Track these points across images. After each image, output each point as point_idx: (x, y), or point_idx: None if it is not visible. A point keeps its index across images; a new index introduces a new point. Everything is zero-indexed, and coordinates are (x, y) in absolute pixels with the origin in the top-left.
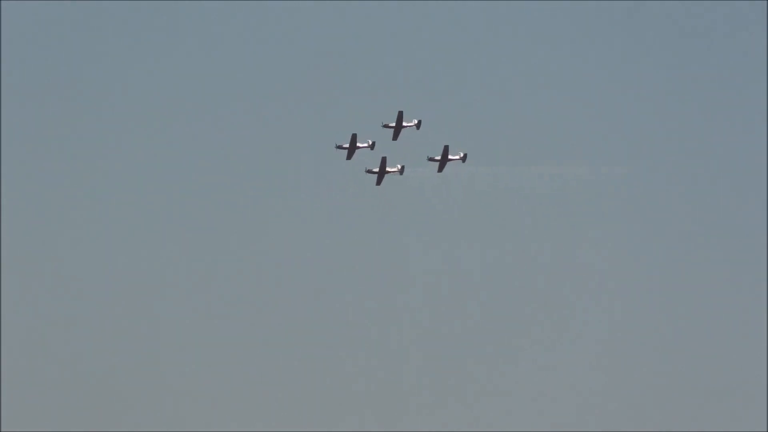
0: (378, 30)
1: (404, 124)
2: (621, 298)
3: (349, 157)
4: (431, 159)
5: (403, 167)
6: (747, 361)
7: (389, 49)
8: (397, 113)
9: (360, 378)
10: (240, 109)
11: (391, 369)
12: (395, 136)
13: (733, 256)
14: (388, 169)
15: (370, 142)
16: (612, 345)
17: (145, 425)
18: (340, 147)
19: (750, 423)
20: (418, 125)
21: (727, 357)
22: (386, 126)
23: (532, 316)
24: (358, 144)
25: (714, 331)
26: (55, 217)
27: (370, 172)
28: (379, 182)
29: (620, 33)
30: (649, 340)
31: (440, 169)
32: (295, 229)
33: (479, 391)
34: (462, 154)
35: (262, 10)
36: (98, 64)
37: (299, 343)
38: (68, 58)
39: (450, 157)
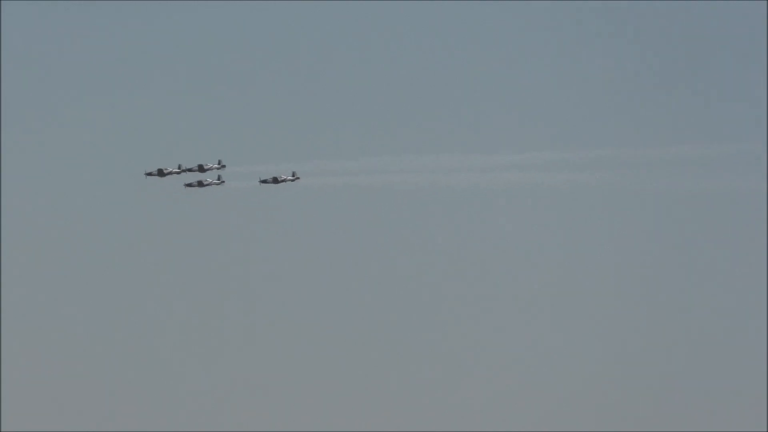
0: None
1: (207, 180)
2: (619, 296)
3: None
4: (263, 181)
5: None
6: (747, 361)
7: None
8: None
9: None
10: None
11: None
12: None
13: (733, 256)
14: (283, 176)
15: (180, 167)
16: (611, 345)
17: (145, 425)
18: (149, 174)
19: (750, 423)
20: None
21: (727, 357)
22: (189, 185)
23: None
24: (167, 169)
25: (714, 331)
26: (54, 215)
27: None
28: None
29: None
30: (648, 339)
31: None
32: None
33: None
34: (294, 174)
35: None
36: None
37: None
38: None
39: (283, 177)
